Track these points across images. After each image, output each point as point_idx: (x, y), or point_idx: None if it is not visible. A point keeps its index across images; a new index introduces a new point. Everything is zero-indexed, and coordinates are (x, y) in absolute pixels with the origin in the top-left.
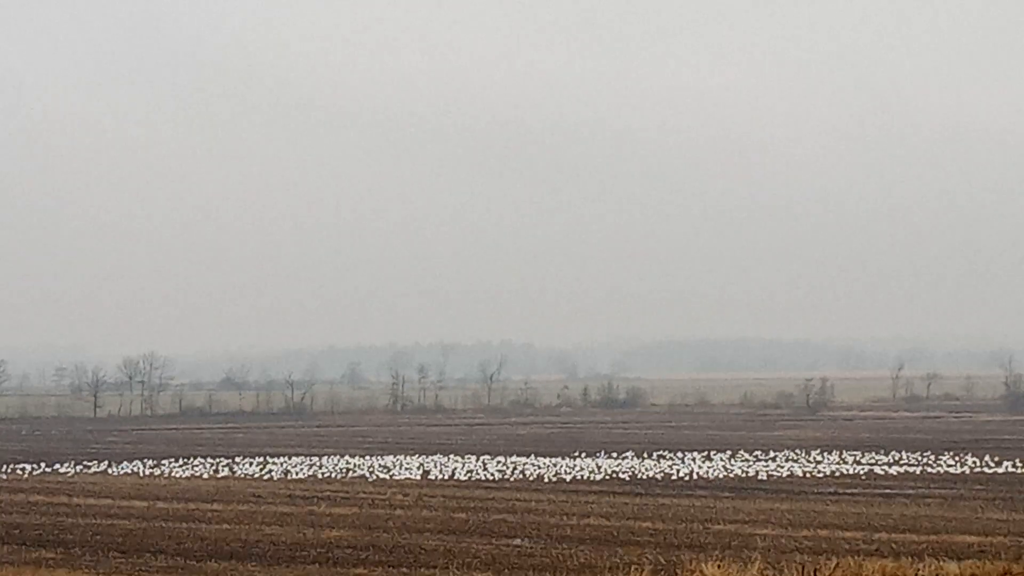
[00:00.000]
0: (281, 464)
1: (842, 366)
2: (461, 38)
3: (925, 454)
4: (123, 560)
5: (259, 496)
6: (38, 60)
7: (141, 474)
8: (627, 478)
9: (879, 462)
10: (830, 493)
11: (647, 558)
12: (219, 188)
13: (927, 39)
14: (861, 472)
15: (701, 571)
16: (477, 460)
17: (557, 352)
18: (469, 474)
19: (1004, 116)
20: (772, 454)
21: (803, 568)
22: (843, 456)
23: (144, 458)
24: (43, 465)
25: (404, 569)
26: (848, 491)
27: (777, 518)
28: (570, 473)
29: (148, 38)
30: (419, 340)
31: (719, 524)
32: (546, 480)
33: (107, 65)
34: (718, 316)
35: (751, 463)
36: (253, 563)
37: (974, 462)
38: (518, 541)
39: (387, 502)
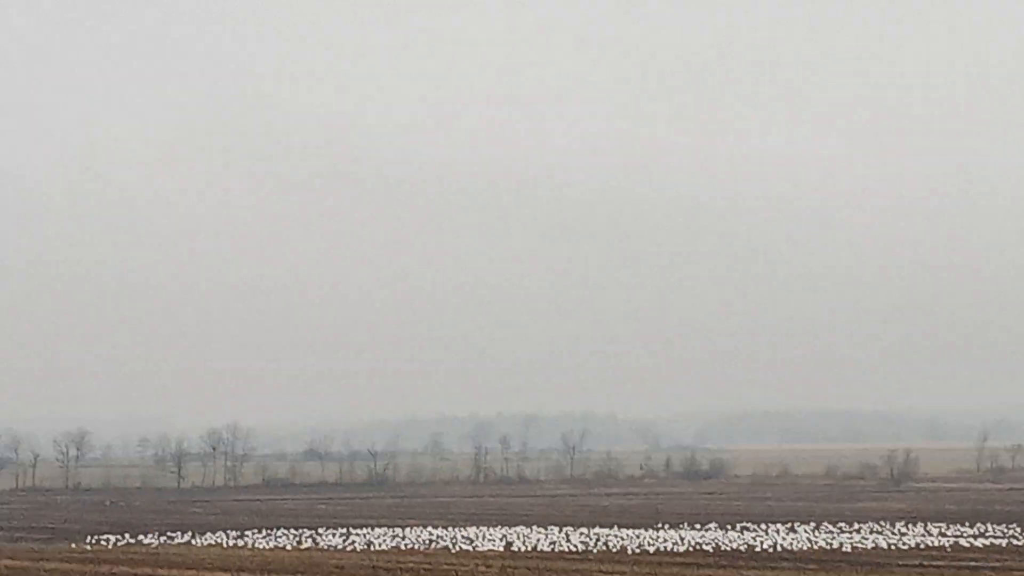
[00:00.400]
0: (364, 535)
1: (926, 437)
2: (543, 116)
3: (1011, 527)
4: None
5: (342, 567)
6: (114, 135)
7: (225, 545)
8: (710, 550)
9: (964, 534)
10: (915, 565)
11: None
12: (302, 259)
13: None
14: (946, 544)
15: None
16: (560, 531)
17: (640, 423)
18: (552, 546)
19: None
20: (856, 526)
21: None
22: (928, 528)
23: (227, 529)
24: (127, 536)
25: None
26: (933, 563)
27: None
28: (653, 545)
29: (222, 112)
30: (501, 411)
31: None
32: (629, 552)
33: (184, 138)
34: (801, 386)
35: (835, 535)
36: None
37: None
38: None
39: (470, 573)
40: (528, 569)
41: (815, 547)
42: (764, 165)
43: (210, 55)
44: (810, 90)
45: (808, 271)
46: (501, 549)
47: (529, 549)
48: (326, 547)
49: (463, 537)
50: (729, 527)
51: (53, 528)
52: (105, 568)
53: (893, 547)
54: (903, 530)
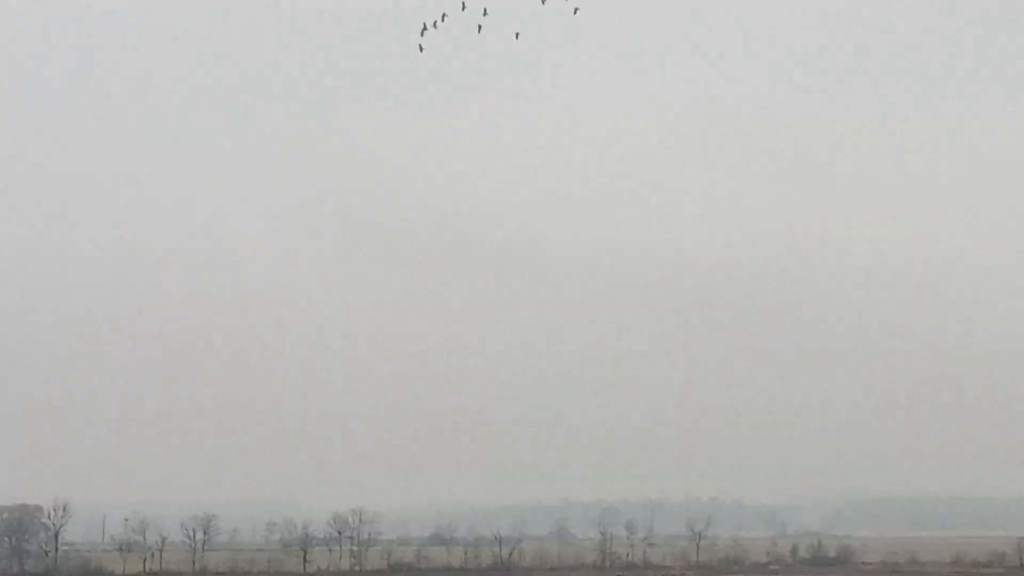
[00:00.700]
0: None
1: None
2: (666, 192)
3: None
4: None
5: None
6: (241, 215)
7: None
8: None
9: None
10: None
11: None
12: (428, 342)
13: None
14: None
15: None
16: None
17: (766, 508)
18: None
19: None
20: None
21: None
22: None
23: None
24: None
25: None
26: None
27: None
28: None
29: (345, 194)
30: (627, 496)
31: None
32: None
33: (308, 219)
34: (929, 472)
35: None
36: None
37: None
38: None
39: None
40: None
41: None
42: (890, 245)
43: (336, 137)
44: (932, 179)
45: (941, 353)
46: None
47: None
48: None
49: None
50: None
51: None
52: None
53: None
54: None
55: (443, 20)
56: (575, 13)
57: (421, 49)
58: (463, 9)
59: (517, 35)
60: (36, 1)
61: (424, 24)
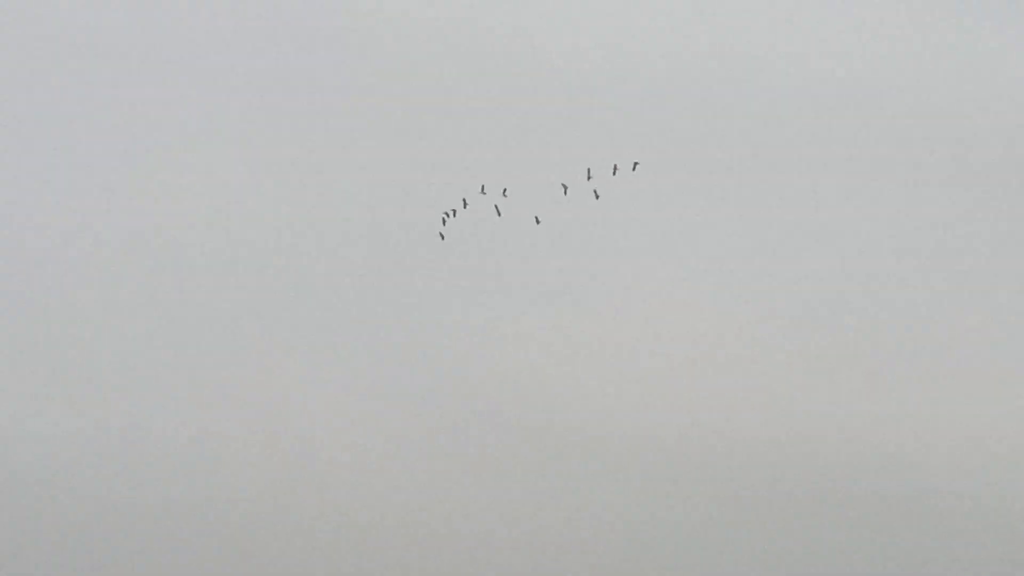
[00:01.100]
0: None
1: None
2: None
3: None
4: None
5: None
6: (298, 392)
7: None
8: None
9: None
10: None
11: None
12: (490, 528)
13: None
14: None
15: None
16: None
17: None
18: None
19: None
20: None
21: None
22: None
23: None
24: None
25: None
26: None
27: None
28: None
29: (404, 364)
30: None
31: None
32: None
33: (364, 398)
34: None
35: None
36: None
37: None
38: None
39: None
40: None
41: None
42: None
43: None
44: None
45: None
46: None
47: None
48: None
49: None
50: None
51: None
52: None
53: None
54: None
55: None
56: (596, 198)
57: (443, 238)
58: (483, 192)
59: (537, 219)
60: None
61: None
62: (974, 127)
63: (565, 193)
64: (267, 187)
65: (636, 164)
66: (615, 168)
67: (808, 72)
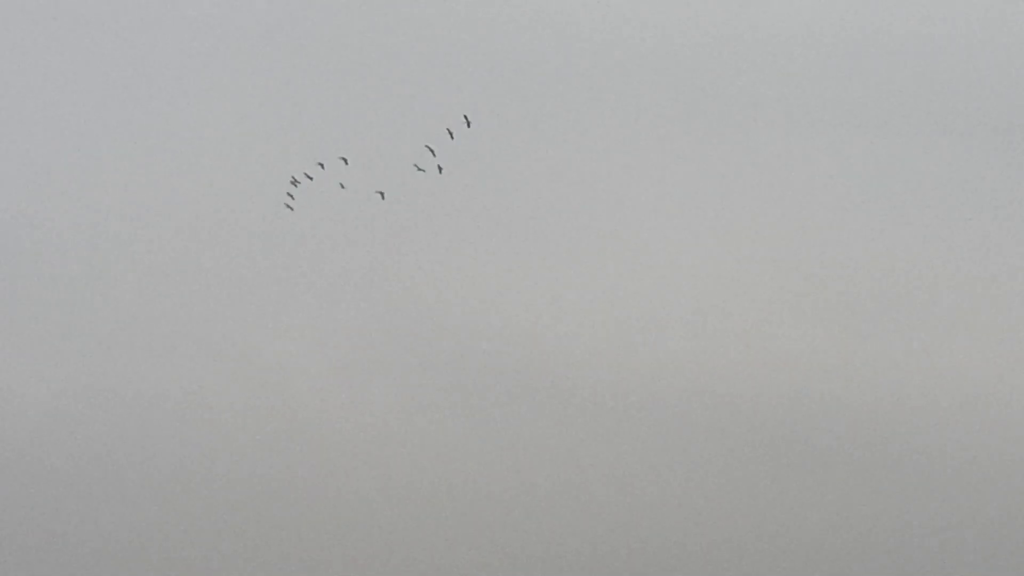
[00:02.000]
0: None
1: None
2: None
3: None
4: None
5: None
6: (292, 352)
7: None
8: None
9: None
10: None
11: None
12: (490, 476)
13: None
14: None
15: None
16: None
17: None
18: None
19: None
20: None
21: None
22: None
23: None
24: None
25: None
26: None
27: None
28: None
29: (402, 331)
30: None
31: None
32: None
33: (363, 357)
34: None
35: None
36: None
37: None
38: None
39: None
40: None
41: None
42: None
43: (387, 277)
44: None
45: None
46: None
47: None
48: None
49: None
50: None
51: None
52: None
53: None
54: None
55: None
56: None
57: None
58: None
59: (382, 195)
60: None
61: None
62: (971, 76)
63: (434, 155)
64: (253, 143)
65: (468, 120)
66: (467, 121)
67: (808, 20)
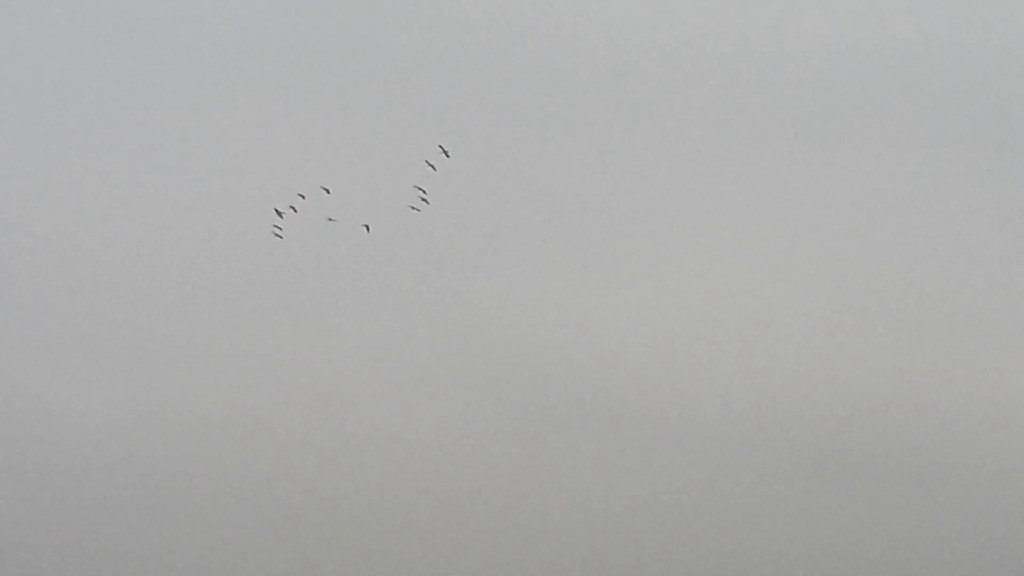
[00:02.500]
0: None
1: None
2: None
3: None
4: None
5: None
6: (352, 375)
7: None
8: None
9: None
10: None
11: None
12: (540, 491)
13: None
14: None
15: None
16: None
17: None
18: None
19: None
20: None
21: None
22: None
23: None
24: None
25: None
26: None
27: None
28: None
29: (456, 352)
30: None
31: None
32: None
33: (417, 376)
34: None
35: None
36: None
37: None
38: None
39: None
40: None
41: None
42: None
43: (445, 298)
44: None
45: None
46: None
47: None
48: None
49: None
50: None
51: None
52: None
53: None
54: None
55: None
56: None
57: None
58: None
59: (367, 228)
60: None
61: None
62: (991, 87)
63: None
64: (295, 158)
65: (445, 150)
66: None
67: (844, 37)
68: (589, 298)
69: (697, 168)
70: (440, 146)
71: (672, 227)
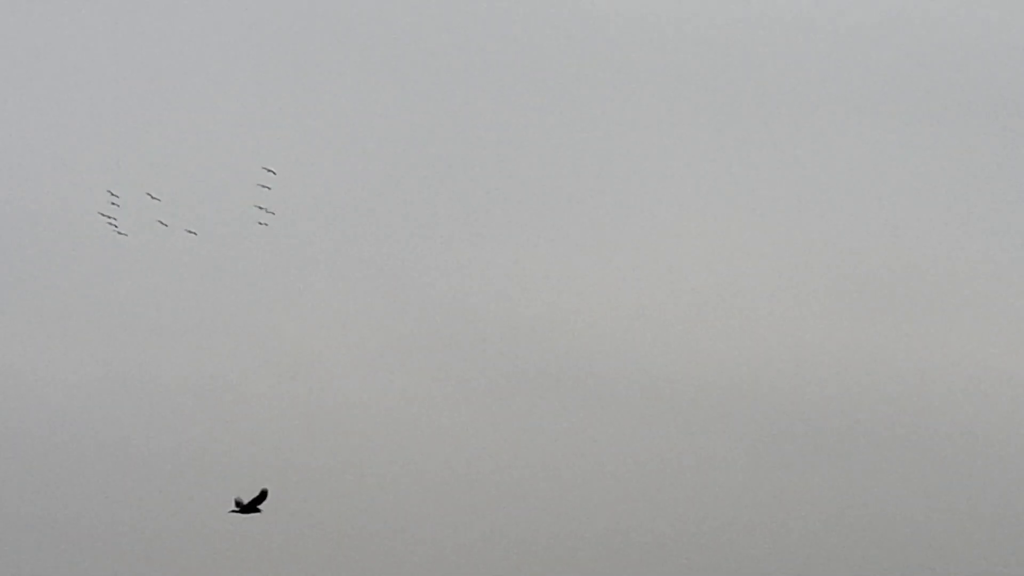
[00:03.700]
0: None
1: None
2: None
3: None
4: None
5: None
6: (319, 339)
7: None
8: None
9: None
10: None
11: None
12: (514, 467)
13: None
14: None
15: None
16: None
17: None
18: None
19: None
20: None
21: None
22: None
23: None
24: None
25: None
26: None
27: None
28: None
29: (426, 319)
30: None
31: None
32: None
33: (386, 343)
34: None
35: None
36: None
37: None
38: None
39: None
40: None
41: None
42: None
43: (414, 267)
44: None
45: None
46: None
47: None
48: None
49: None
50: None
51: None
52: None
53: None
54: None
55: None
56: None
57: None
58: None
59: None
60: None
61: None
62: (990, 60)
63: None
64: (278, 125)
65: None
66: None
67: (819, 6)
68: (557, 268)
69: (667, 139)
70: (268, 168)
71: (643, 197)
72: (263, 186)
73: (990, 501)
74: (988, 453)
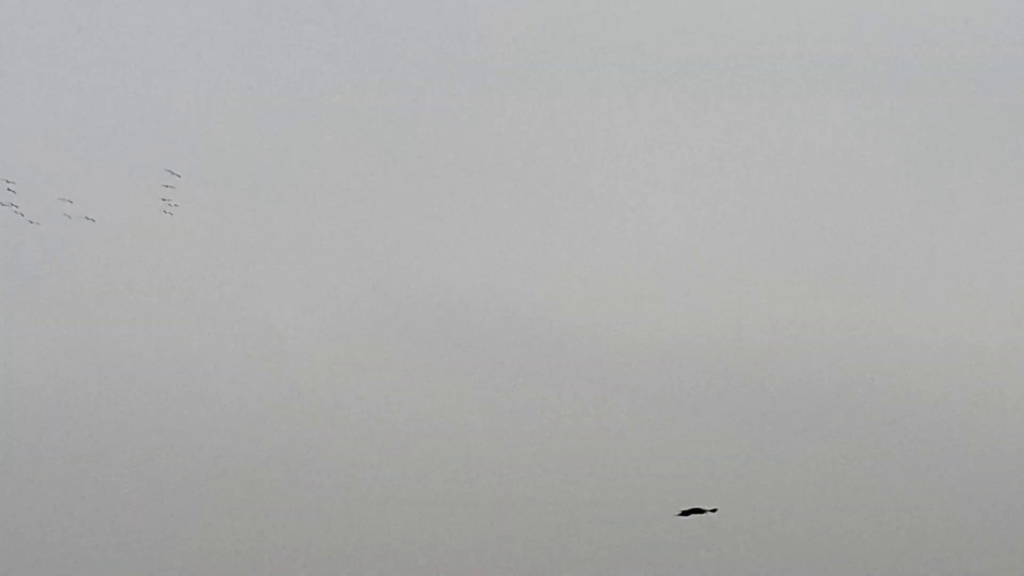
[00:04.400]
0: None
1: None
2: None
3: None
4: None
5: None
6: (289, 326)
7: None
8: None
9: None
10: None
11: None
12: (492, 452)
13: None
14: None
15: None
16: None
17: None
18: None
19: None
20: None
21: None
22: None
23: None
24: None
25: None
26: None
27: None
28: None
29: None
30: None
31: None
32: None
33: (359, 328)
34: None
35: None
36: None
37: None
38: None
39: None
40: None
41: None
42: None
43: (383, 251)
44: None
45: None
46: None
47: None
48: None
49: None
50: None
51: None
52: None
53: None
54: None
55: None
56: None
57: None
58: None
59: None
60: None
61: None
62: (962, 44)
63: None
64: (264, 106)
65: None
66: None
67: None
68: (540, 249)
69: (656, 120)
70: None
71: (609, 168)
72: (171, 175)
73: (960, 465)
74: (953, 419)
